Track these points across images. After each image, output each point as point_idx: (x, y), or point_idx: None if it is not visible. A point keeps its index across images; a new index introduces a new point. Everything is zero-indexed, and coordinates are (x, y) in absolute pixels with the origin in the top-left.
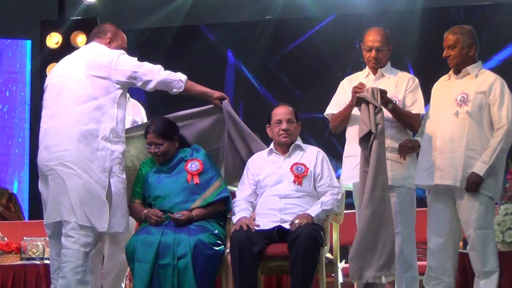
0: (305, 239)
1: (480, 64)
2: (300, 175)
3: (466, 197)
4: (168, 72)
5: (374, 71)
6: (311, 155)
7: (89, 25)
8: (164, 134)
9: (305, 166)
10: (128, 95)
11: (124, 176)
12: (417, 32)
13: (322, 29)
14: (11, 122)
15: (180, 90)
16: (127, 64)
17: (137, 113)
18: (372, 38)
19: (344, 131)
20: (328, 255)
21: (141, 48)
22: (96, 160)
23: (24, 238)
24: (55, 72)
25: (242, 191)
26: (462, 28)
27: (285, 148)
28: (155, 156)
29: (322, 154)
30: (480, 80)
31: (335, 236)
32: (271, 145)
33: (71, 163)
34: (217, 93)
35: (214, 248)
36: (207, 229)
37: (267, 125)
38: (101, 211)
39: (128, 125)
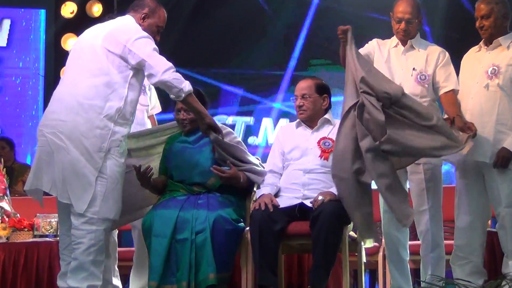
0: (327, 216)
1: (511, 34)
2: (327, 150)
3: (496, 173)
4: (175, 75)
5: (403, 42)
6: None
7: None
8: None
9: (333, 141)
10: None
11: (122, 160)
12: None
13: None
14: (25, 94)
15: (179, 99)
16: (141, 50)
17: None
18: (402, 9)
19: None
20: (352, 233)
21: None
22: (93, 137)
23: (37, 214)
24: (81, 37)
25: (270, 162)
26: None
27: (314, 121)
28: (182, 123)
29: None
30: None
31: None
32: None
33: (64, 136)
34: (208, 119)
35: (235, 223)
36: (228, 205)
37: None
38: (84, 191)
39: None
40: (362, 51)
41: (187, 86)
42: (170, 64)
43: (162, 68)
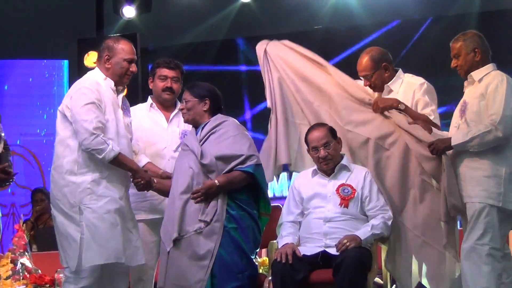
0: (351, 263)
1: (488, 67)
2: (346, 197)
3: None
4: (94, 144)
5: (381, 90)
6: (359, 176)
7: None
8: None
9: (352, 187)
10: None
11: (100, 203)
12: None
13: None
14: (50, 147)
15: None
16: (73, 108)
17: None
18: (358, 67)
19: None
20: (378, 279)
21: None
22: (63, 197)
23: (58, 270)
24: None
25: (288, 212)
26: (464, 35)
27: (330, 169)
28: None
29: (370, 175)
30: (483, 84)
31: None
32: (315, 165)
33: (52, 207)
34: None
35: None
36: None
37: (307, 148)
38: (71, 249)
39: (177, 139)
40: None
41: (107, 155)
42: (90, 129)
43: (82, 137)
